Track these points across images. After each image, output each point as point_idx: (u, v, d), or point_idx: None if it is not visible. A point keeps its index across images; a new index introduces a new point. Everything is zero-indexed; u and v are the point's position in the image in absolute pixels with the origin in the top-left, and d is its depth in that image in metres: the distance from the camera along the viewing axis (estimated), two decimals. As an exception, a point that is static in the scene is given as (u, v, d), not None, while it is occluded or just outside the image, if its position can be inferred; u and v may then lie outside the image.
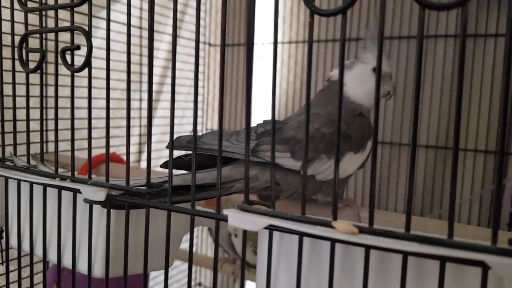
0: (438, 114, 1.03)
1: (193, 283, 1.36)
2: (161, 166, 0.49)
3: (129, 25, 0.37)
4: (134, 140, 1.20)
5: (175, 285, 1.25)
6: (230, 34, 1.30)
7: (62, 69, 0.41)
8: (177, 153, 0.54)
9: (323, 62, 1.16)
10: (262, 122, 0.57)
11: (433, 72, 1.03)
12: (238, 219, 0.30)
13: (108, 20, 0.37)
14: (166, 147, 0.49)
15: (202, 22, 1.35)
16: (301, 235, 0.29)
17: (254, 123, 0.57)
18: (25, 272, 0.48)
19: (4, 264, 0.51)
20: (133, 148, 1.20)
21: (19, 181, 0.46)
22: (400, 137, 1.08)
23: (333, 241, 0.27)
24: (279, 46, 1.24)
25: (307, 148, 0.30)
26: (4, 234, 0.59)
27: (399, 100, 1.07)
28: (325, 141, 0.54)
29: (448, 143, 1.03)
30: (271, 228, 0.30)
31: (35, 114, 0.51)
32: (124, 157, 0.95)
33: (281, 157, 0.52)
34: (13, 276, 0.51)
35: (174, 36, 0.35)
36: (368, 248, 0.26)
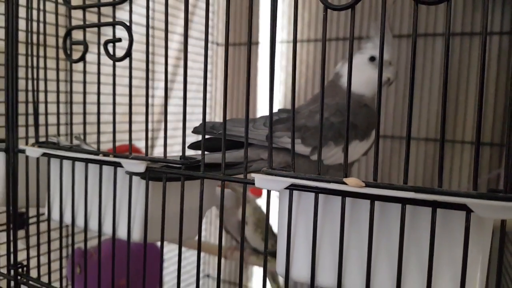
0: (437, 108, 1.08)
1: (201, 275, 1.41)
2: (189, 147, 0.55)
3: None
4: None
5: (182, 277, 1.29)
6: (238, 34, 1.36)
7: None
8: (196, 138, 0.60)
9: (327, 60, 1.21)
10: (277, 111, 0.62)
11: (432, 67, 1.08)
12: (264, 181, 0.36)
13: (147, 17, 0.43)
14: (192, 131, 0.55)
15: (210, 22, 1.42)
16: (317, 192, 0.35)
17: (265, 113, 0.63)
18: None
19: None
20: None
21: (61, 159, 0.52)
22: (401, 131, 1.13)
23: (344, 195, 0.33)
24: (284, 45, 1.31)
25: (321, 137, 0.35)
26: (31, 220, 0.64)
27: (400, 96, 1.12)
28: (333, 130, 0.58)
29: (447, 135, 1.08)
30: (291, 188, 0.35)
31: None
32: (142, 149, 1.03)
33: None
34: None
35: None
36: (373, 199, 0.32)
